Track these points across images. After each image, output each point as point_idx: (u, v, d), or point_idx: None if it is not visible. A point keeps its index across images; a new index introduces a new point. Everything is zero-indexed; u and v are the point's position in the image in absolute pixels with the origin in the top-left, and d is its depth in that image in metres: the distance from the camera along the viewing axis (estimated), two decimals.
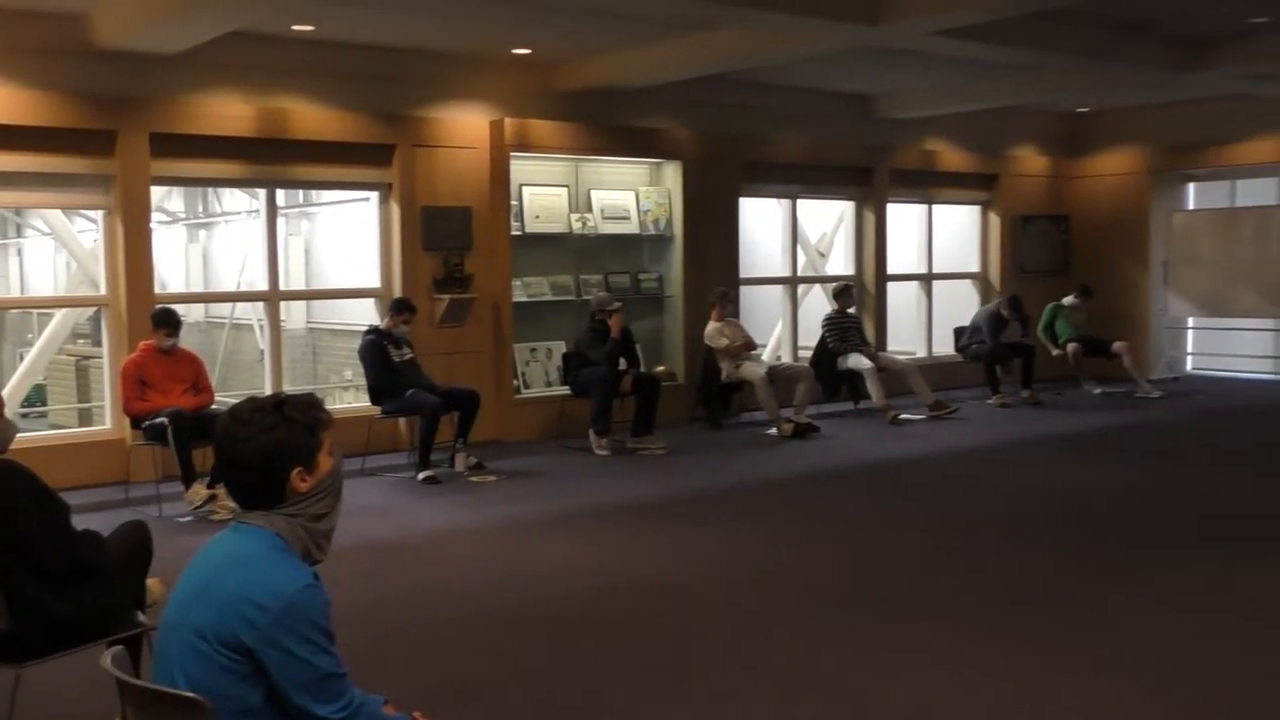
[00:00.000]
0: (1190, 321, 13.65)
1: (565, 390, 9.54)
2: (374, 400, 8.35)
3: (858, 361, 10.63)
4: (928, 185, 12.84)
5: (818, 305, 12.20)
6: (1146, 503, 7.10)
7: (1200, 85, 10.93)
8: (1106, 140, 13.77)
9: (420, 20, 8.15)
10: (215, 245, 15.41)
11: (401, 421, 8.87)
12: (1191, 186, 13.98)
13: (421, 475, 7.91)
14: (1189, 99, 12.29)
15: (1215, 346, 13.78)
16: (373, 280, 9.41)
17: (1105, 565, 5.64)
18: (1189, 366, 13.88)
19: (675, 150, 10.60)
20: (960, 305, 12.54)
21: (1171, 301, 13.19)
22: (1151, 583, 5.32)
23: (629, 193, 10.62)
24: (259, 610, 2.10)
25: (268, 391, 7.93)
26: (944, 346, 12.69)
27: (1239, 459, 8.64)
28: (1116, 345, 12.07)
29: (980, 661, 4.31)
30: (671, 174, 10.72)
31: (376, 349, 8.23)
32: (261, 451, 2.22)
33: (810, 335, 11.48)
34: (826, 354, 10.85)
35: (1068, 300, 12.36)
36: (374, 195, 9.37)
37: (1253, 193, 13.59)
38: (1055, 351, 12.19)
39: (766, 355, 11.80)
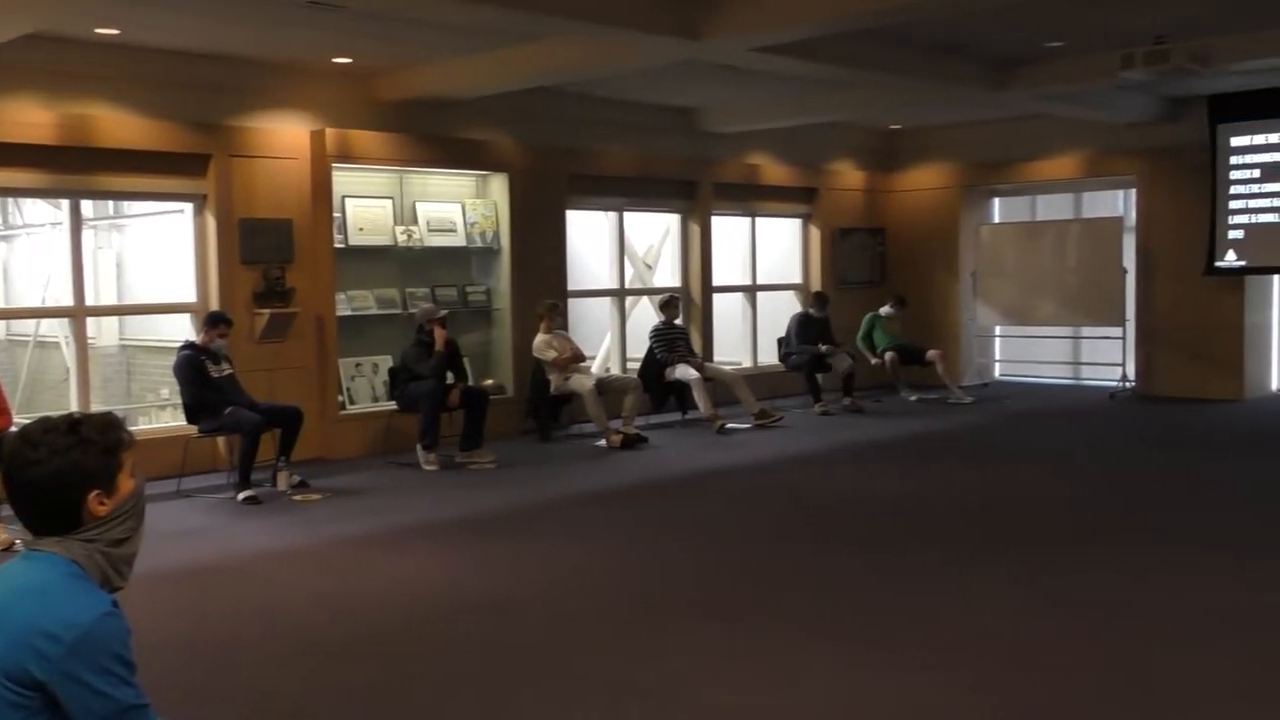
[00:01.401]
0: (997, 330, 14.31)
1: (392, 405, 9.38)
2: (190, 418, 8.04)
3: (685, 372, 10.78)
4: (751, 198, 13.13)
5: (645, 317, 12.32)
6: (960, 504, 7.40)
7: (1005, 105, 11.49)
8: (920, 156, 14.34)
9: (233, 27, 7.91)
10: (16, 259, 14.59)
11: (220, 440, 8.56)
12: (997, 201, 14.69)
13: (242, 495, 7.66)
14: (995, 118, 12.91)
15: (1020, 353, 14.49)
16: (189, 294, 9.08)
17: (923, 566, 5.86)
18: (997, 373, 14.55)
19: (502, 162, 10.56)
20: (784, 316, 12.84)
21: (980, 311, 13.81)
22: (966, 581, 5.55)
23: (455, 205, 10.53)
24: (52, 641, 1.99)
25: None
26: (769, 356, 12.99)
27: (1043, 460, 9.09)
28: (930, 353, 12.57)
29: (802, 663, 4.41)
30: (498, 186, 10.67)
31: (192, 365, 7.93)
32: (54, 474, 2.11)
33: (638, 347, 11.58)
34: (654, 365, 10.97)
35: (884, 310, 12.82)
36: (188, 207, 9.04)
37: (1052, 207, 14.37)
38: (874, 360, 12.62)
39: (595, 367, 11.85)
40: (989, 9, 7.89)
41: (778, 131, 12.71)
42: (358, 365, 9.88)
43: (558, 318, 10.17)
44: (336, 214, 9.55)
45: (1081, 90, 10.73)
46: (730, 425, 10.53)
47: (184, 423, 8.21)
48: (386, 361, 9.76)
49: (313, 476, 8.26)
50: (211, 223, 8.90)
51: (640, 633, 4.84)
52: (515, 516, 7.24)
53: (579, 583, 5.69)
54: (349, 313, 9.72)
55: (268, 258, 9.09)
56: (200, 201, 8.95)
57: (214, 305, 8.79)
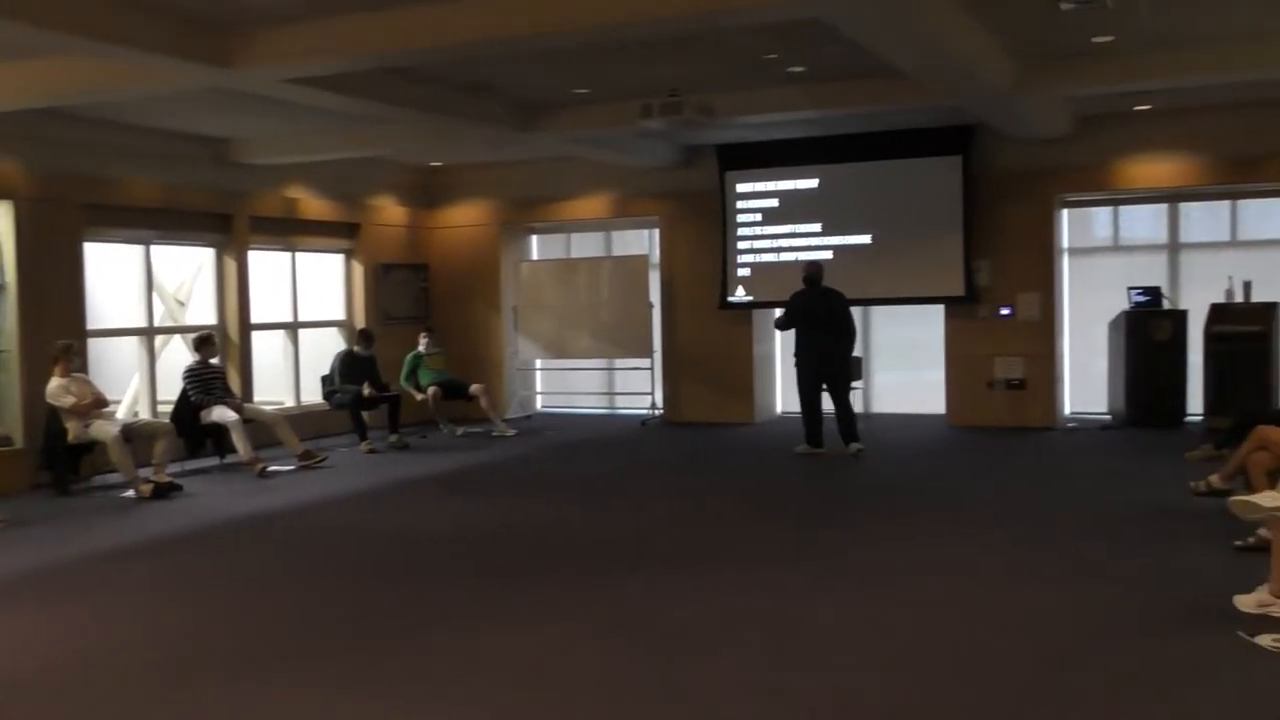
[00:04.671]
0: (538, 363, 14.85)
1: None
2: None
3: (222, 414, 10.25)
4: (290, 232, 12.77)
5: (178, 357, 11.61)
6: (508, 534, 7.58)
7: (537, 146, 12.00)
8: (460, 193, 14.61)
9: None
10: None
11: None
12: (535, 238, 15.27)
13: None
14: (530, 159, 13.44)
15: (560, 385, 15.12)
16: None
17: (474, 597, 5.92)
18: (539, 404, 15.09)
19: (4, 190, 9.56)
20: (329, 354, 12.58)
21: (521, 345, 14.27)
22: (516, 609, 5.68)
23: None
24: None
25: None
26: (313, 395, 12.66)
27: (582, 487, 9.52)
28: (474, 387, 12.81)
29: (358, 706, 4.33)
30: (1, 216, 9.65)
31: None
32: None
33: (171, 388, 10.87)
34: (188, 407, 10.34)
35: (423, 346, 12.88)
36: None
37: (585, 245, 15.16)
38: (419, 397, 12.66)
39: (122, 411, 10.99)
40: (508, 56, 8.21)
41: (318, 165, 12.48)
42: None
43: (74, 359, 9.34)
44: None
45: (607, 135, 11.45)
46: (273, 468, 10.14)
47: None
48: None
49: None
50: None
51: (180, 699, 4.53)
52: (29, 581, 6.53)
53: (101, 652, 5.23)
54: None
55: None
56: None
57: None
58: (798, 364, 10.54)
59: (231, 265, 11.97)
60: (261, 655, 5.03)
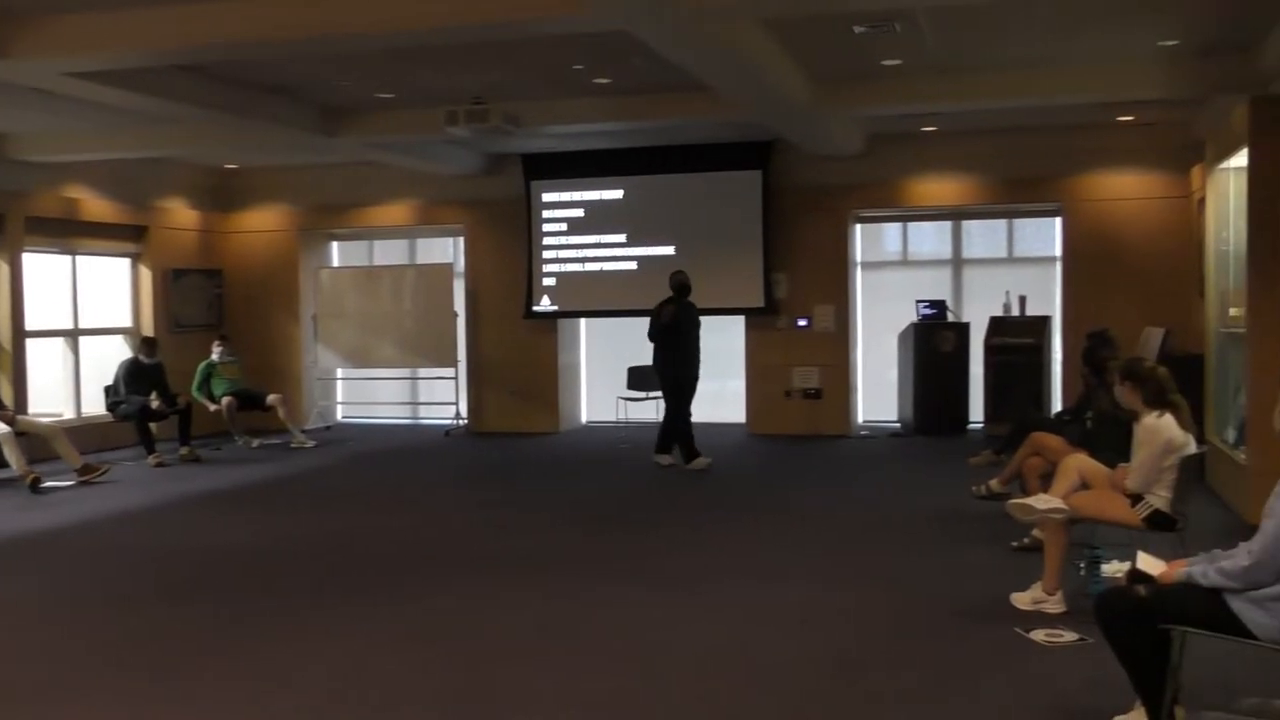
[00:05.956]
0: (339, 372, 14.48)
1: None
2: None
3: None
4: (70, 234, 12.10)
5: None
6: (308, 548, 7.35)
7: (339, 151, 11.71)
8: (258, 197, 14.14)
9: None
10: None
11: None
12: (336, 245, 14.90)
13: None
14: (332, 163, 13.10)
15: (362, 395, 14.79)
16: None
17: (269, 612, 5.72)
18: (340, 415, 14.72)
19: None
20: (112, 362, 11.94)
21: (321, 354, 13.90)
22: (316, 625, 5.51)
23: None
24: None
25: None
26: (95, 406, 12.00)
27: (385, 498, 9.34)
28: (271, 398, 12.39)
29: None
30: None
31: None
32: None
33: None
34: None
35: (215, 355, 12.39)
36: None
37: (388, 252, 14.89)
38: (213, 407, 12.17)
39: None
40: (305, 56, 8.00)
41: (102, 164, 11.88)
42: None
43: None
44: None
45: (412, 141, 11.28)
46: (49, 483, 9.57)
47: None
48: None
49: None
50: None
51: None
52: None
53: None
54: None
55: None
56: None
57: None
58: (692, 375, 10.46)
59: (3, 268, 11.24)
60: (45, 684, 4.73)
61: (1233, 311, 8.74)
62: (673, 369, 10.41)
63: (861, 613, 5.57)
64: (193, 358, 12.48)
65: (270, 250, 14.14)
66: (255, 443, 12.27)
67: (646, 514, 8.47)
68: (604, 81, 9.41)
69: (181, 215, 13.57)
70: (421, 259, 14.65)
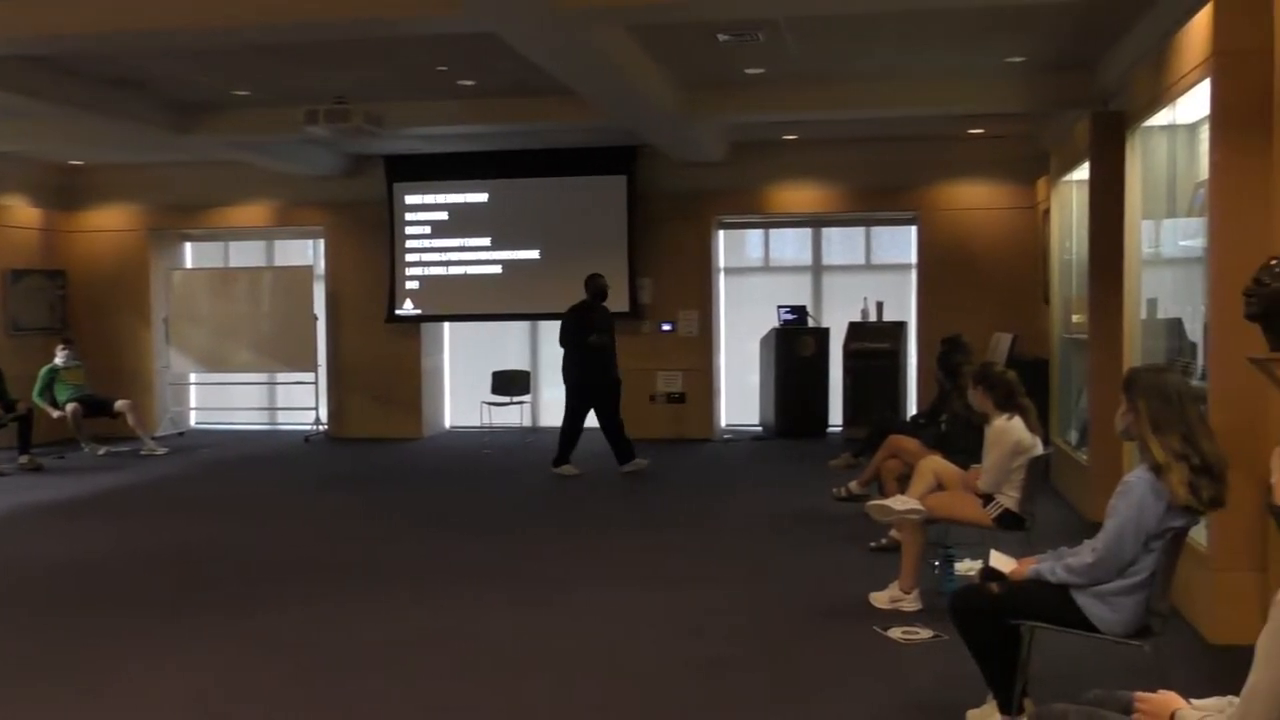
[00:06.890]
0: (193, 377, 14.02)
1: None
2: None
3: None
4: None
5: None
6: (156, 559, 7.10)
7: (193, 149, 11.35)
8: (105, 195, 13.61)
9: None
10: None
11: None
12: (189, 246, 14.44)
13: None
14: (185, 161, 12.68)
15: (216, 400, 14.35)
16: None
17: (112, 628, 5.51)
18: (193, 421, 14.26)
19: None
20: None
21: (174, 358, 13.44)
22: (162, 639, 5.33)
23: None
24: None
25: None
26: None
27: (240, 506, 9.08)
28: (119, 403, 11.94)
29: None
30: None
31: None
32: None
33: None
34: None
35: (59, 359, 11.88)
36: None
37: (244, 254, 14.49)
38: (56, 414, 11.67)
39: None
40: (154, 50, 7.75)
41: None
42: None
43: None
44: None
45: (270, 141, 11.00)
46: None
47: None
48: None
49: None
50: None
51: None
52: None
53: None
54: None
55: None
56: None
57: None
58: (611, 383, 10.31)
59: None
60: None
61: (1075, 318, 9.13)
62: (600, 375, 10.16)
63: (727, 613, 5.64)
64: (33, 362, 11.95)
65: (118, 251, 13.62)
66: (102, 450, 11.79)
67: (511, 520, 8.42)
68: (469, 83, 9.34)
69: (21, 213, 12.98)
70: (280, 261, 14.31)
